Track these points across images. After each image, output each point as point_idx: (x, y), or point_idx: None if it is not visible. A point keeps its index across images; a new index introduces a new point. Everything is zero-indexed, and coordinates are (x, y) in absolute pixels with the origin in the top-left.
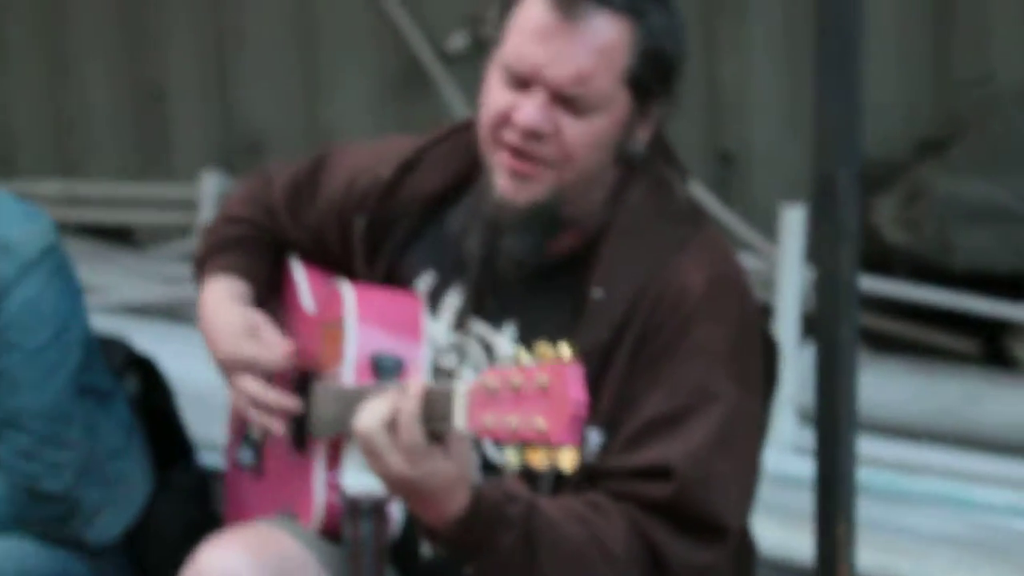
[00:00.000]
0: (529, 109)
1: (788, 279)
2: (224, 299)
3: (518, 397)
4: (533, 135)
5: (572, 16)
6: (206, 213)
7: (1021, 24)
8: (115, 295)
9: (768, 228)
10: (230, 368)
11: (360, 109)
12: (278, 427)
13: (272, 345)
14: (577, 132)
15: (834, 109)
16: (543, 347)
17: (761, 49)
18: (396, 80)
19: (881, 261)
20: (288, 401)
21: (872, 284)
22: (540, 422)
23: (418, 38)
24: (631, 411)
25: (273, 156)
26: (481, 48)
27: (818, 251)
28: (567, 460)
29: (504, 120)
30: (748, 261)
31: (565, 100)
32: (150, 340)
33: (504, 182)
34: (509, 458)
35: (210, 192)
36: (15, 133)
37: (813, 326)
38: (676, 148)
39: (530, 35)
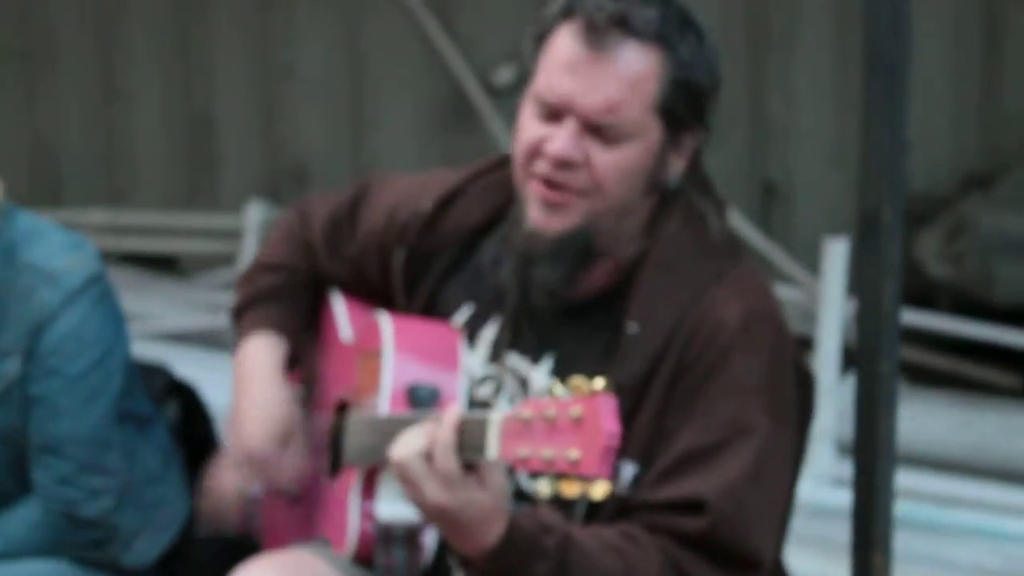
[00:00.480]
0: (560, 139)
1: (829, 312)
2: (261, 369)
3: (552, 428)
4: (564, 164)
5: (601, 47)
6: (251, 242)
7: None
8: (158, 323)
9: (810, 261)
10: (241, 453)
11: (406, 141)
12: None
13: (292, 464)
14: (608, 161)
15: (880, 144)
16: (577, 380)
17: (807, 81)
18: (442, 112)
19: (924, 295)
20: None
21: (914, 318)
22: (574, 453)
23: (465, 71)
24: (666, 444)
25: (319, 186)
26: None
27: (861, 285)
28: (600, 491)
29: (536, 151)
30: (789, 293)
31: (595, 129)
32: (192, 367)
33: (536, 212)
34: (542, 489)
35: (255, 221)
36: (63, 162)
37: (853, 359)
38: (718, 178)
39: (560, 67)
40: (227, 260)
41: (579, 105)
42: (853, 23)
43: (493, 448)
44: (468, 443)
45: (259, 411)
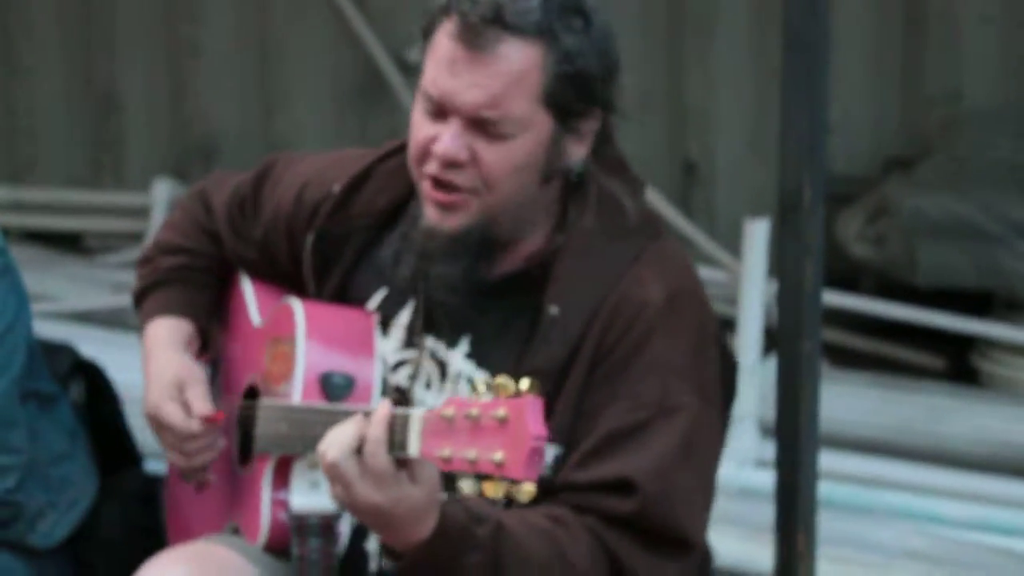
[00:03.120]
0: (445, 139)
1: (751, 293)
2: (162, 345)
3: (476, 429)
4: (451, 164)
5: (477, 46)
6: (157, 220)
7: (989, 44)
8: (63, 302)
9: (732, 242)
10: (152, 424)
11: (317, 118)
12: (203, 475)
13: (194, 408)
14: (495, 157)
15: (800, 123)
16: (503, 379)
17: (727, 61)
18: (354, 90)
19: (847, 277)
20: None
21: (837, 299)
22: (498, 456)
23: (377, 47)
24: (590, 425)
25: (227, 164)
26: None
27: (782, 265)
28: (526, 494)
29: (425, 152)
30: (711, 275)
31: (480, 126)
32: (97, 347)
33: (431, 211)
34: (464, 488)
35: (162, 199)
36: None
37: (776, 341)
38: (639, 159)
39: (442, 65)
40: (133, 238)
41: (460, 103)
42: (773, 2)
43: (414, 446)
44: (395, 440)
45: (157, 372)
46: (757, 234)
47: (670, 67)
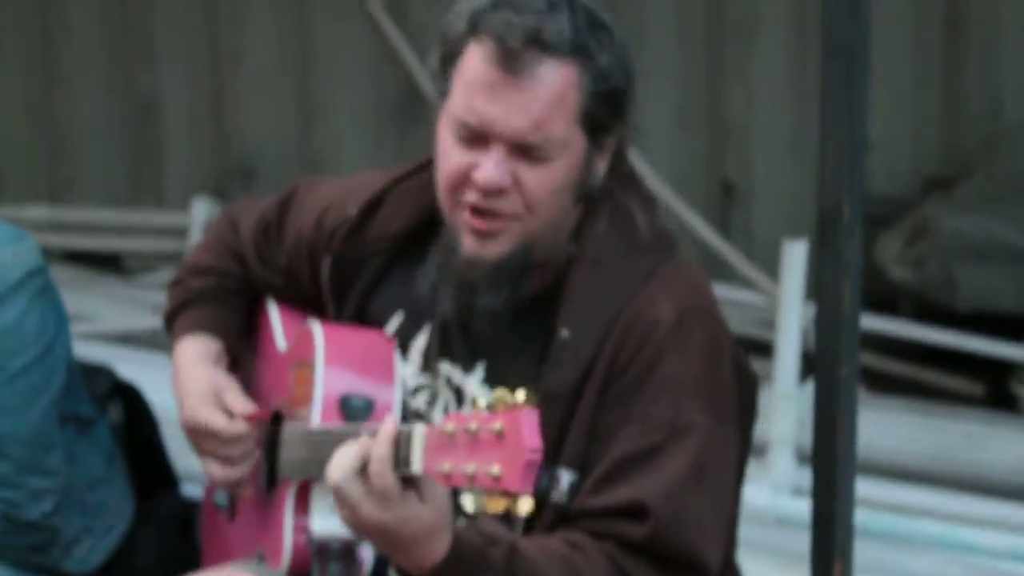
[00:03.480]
0: (487, 167)
1: (789, 316)
2: (192, 361)
3: (474, 443)
4: (494, 192)
5: (518, 70)
6: (196, 240)
7: None
8: (101, 323)
9: (769, 263)
10: (192, 434)
11: (356, 135)
12: (242, 489)
13: (235, 409)
14: (538, 180)
15: (838, 141)
16: (500, 392)
17: (765, 79)
18: (393, 106)
19: (886, 299)
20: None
21: (875, 323)
22: (495, 469)
23: (416, 63)
24: (603, 449)
25: (267, 182)
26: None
27: (819, 285)
28: (524, 507)
29: (463, 180)
30: (748, 297)
31: (523, 151)
32: (136, 369)
33: (469, 240)
34: (467, 504)
35: (201, 219)
36: (1, 155)
37: (813, 365)
38: (676, 177)
39: (478, 90)
40: (172, 259)
41: (503, 128)
42: (812, 19)
43: (417, 462)
44: (399, 457)
45: (193, 386)
46: (795, 255)
47: (708, 85)
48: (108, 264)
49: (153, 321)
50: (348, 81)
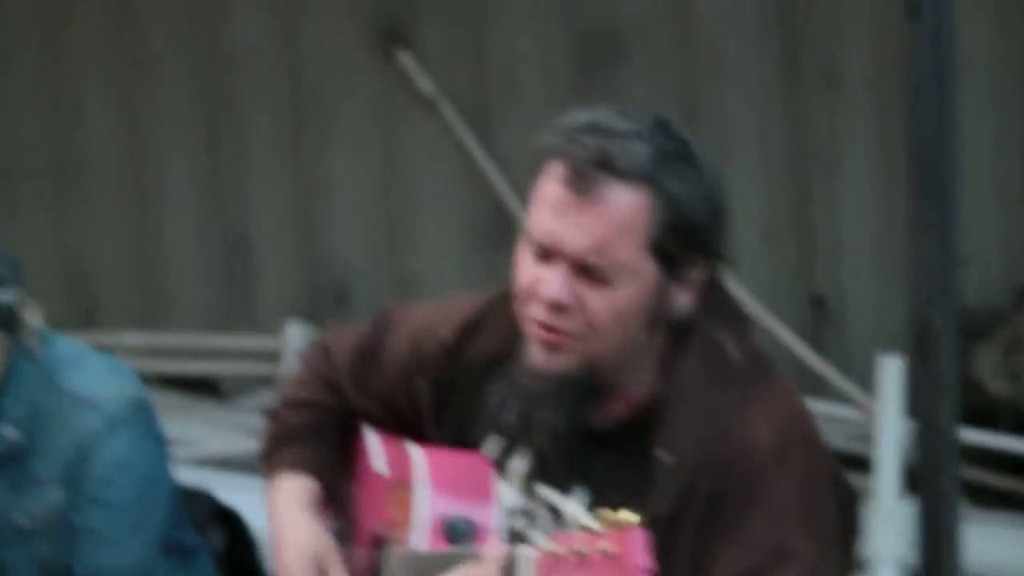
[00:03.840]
0: (551, 283)
1: (887, 432)
2: (292, 505)
3: (584, 564)
4: (556, 308)
5: (585, 191)
6: (290, 364)
7: None
8: (199, 447)
9: (863, 376)
10: None
11: (447, 259)
12: None
13: None
14: (600, 303)
15: (930, 256)
16: (607, 513)
17: (853, 193)
18: (482, 229)
19: (984, 413)
20: None
21: (975, 436)
22: None
23: (504, 186)
24: (704, 574)
25: (358, 306)
26: None
27: (916, 403)
28: None
29: (531, 294)
30: (844, 413)
31: (585, 271)
32: (235, 492)
33: (535, 352)
34: None
35: (294, 343)
36: (97, 284)
37: (914, 480)
38: (766, 293)
39: (547, 208)
40: (267, 382)
41: (566, 248)
42: (898, 134)
43: None
44: None
45: (294, 542)
46: (891, 371)
47: (797, 201)
48: (204, 388)
49: (251, 444)
50: (437, 206)
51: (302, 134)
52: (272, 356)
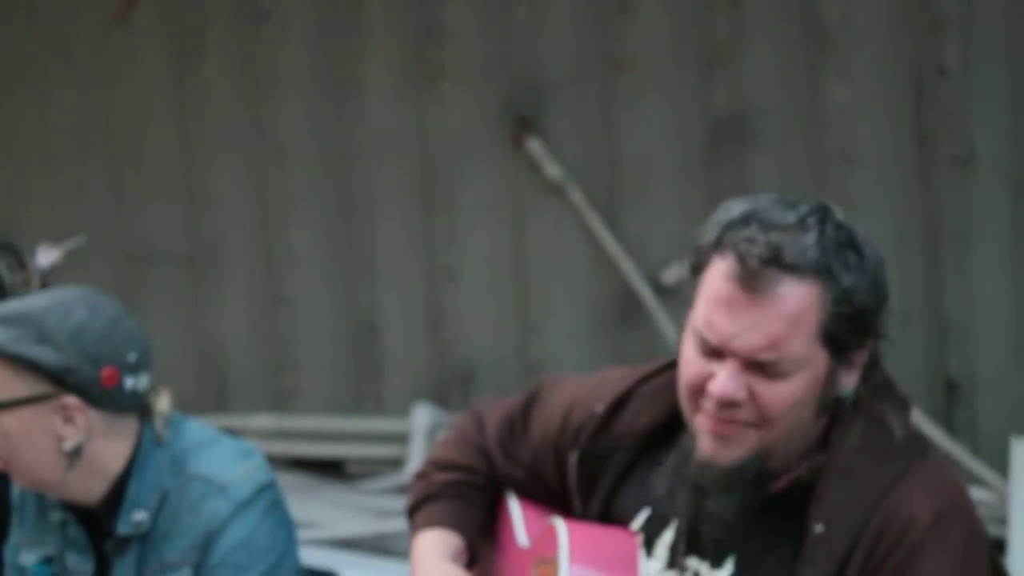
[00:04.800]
0: (722, 380)
1: (1020, 515)
2: (430, 555)
3: None
4: (728, 404)
5: (756, 289)
6: (418, 446)
7: None
8: (326, 529)
9: (997, 459)
10: None
11: (573, 342)
12: None
13: None
14: (774, 395)
15: None
16: None
17: (986, 276)
18: (610, 313)
19: None
20: None
21: None
22: None
23: (632, 270)
24: None
25: (486, 389)
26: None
27: None
28: None
29: (699, 389)
30: (977, 494)
31: (758, 367)
32: (362, 574)
33: (706, 444)
34: None
35: (422, 425)
36: (228, 368)
37: None
38: (899, 376)
39: (717, 305)
40: (394, 464)
41: (738, 346)
42: None
43: None
44: None
45: None
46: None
47: (928, 283)
48: (331, 470)
49: (376, 526)
50: (564, 288)
51: (432, 220)
52: (399, 439)
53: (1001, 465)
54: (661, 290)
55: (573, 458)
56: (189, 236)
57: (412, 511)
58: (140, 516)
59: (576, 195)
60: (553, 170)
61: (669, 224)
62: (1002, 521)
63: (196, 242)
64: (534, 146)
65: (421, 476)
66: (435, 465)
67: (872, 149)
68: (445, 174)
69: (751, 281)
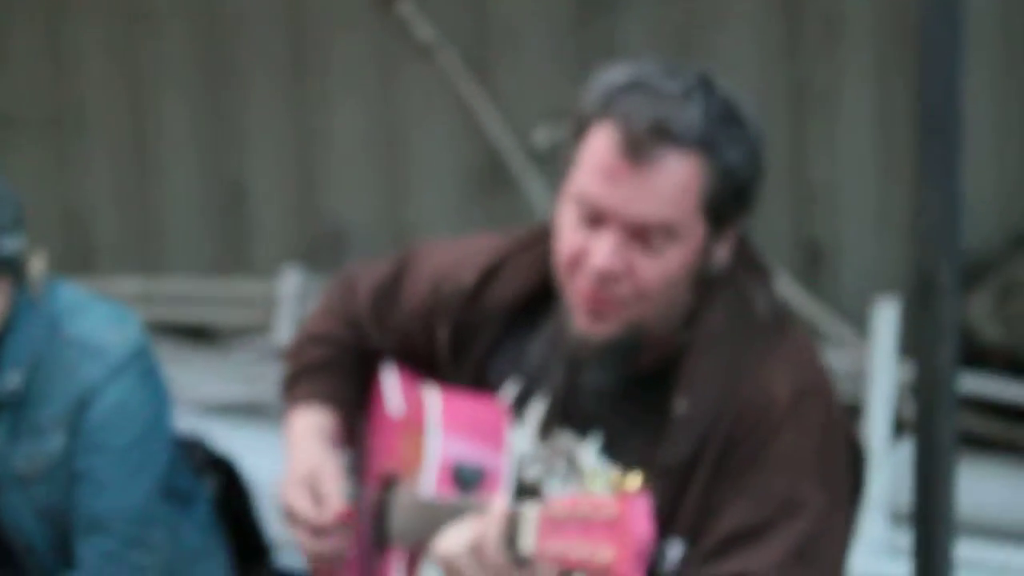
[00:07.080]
0: (602, 252)
1: (880, 376)
2: (303, 434)
3: (586, 527)
4: (607, 278)
5: (641, 159)
6: (287, 309)
7: None
8: (194, 394)
9: (857, 322)
10: (285, 514)
11: (444, 204)
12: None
13: (327, 501)
14: (652, 269)
15: (935, 202)
16: (615, 475)
17: (850, 141)
18: (480, 176)
19: (977, 358)
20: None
21: (968, 382)
22: (605, 555)
23: (503, 133)
24: (713, 522)
25: (356, 252)
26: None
27: (917, 349)
28: None
29: (577, 261)
30: (836, 356)
31: (638, 237)
32: (229, 440)
33: (581, 319)
34: None
35: (291, 288)
36: (94, 230)
37: (904, 424)
38: (763, 241)
39: (599, 173)
40: (263, 329)
41: (621, 216)
42: (895, 82)
43: (529, 543)
44: (510, 538)
45: (296, 466)
46: (886, 314)
47: (793, 147)
48: (199, 335)
49: (245, 391)
50: (435, 151)
51: (302, 84)
52: (268, 302)
53: (861, 327)
54: (532, 153)
55: (444, 328)
56: (55, 99)
57: (287, 387)
58: (12, 378)
59: (447, 57)
60: (424, 31)
61: (540, 87)
62: (859, 382)
63: (62, 104)
64: (405, 7)
65: (295, 351)
66: (308, 338)
67: (740, 12)
68: (315, 35)
69: (636, 151)
